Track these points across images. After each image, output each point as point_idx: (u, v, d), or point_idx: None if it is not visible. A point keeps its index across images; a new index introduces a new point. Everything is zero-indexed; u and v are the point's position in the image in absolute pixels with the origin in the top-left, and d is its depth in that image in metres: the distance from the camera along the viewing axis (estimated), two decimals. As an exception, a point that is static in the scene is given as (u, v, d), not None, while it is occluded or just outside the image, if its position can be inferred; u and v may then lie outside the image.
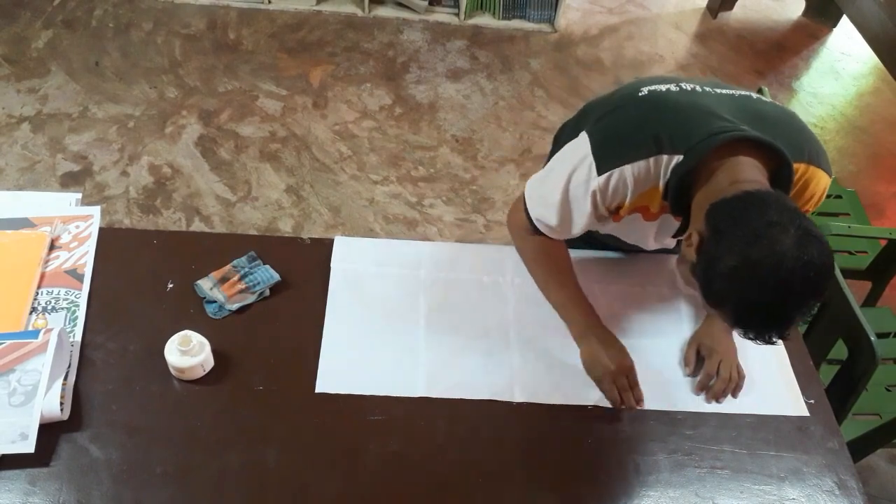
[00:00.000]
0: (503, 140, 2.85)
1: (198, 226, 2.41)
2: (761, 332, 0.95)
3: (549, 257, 1.32)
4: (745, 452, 1.23)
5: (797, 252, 0.90)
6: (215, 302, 1.29)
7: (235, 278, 1.32)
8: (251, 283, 1.31)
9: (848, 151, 3.08)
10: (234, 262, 1.34)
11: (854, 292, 1.52)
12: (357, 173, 2.66)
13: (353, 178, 2.64)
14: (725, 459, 1.22)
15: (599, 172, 1.09)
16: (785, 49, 3.54)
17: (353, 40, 3.20)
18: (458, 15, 3.35)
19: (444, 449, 1.19)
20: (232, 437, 1.15)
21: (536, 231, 1.25)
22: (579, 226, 1.19)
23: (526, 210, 1.25)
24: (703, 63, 3.37)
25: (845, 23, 3.50)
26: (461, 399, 1.24)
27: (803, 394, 1.31)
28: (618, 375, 1.23)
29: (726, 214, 0.96)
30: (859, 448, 1.57)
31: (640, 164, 1.07)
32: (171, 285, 1.31)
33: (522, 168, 2.74)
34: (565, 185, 1.14)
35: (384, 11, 3.34)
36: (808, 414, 1.28)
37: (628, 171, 1.08)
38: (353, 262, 1.39)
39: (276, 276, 1.33)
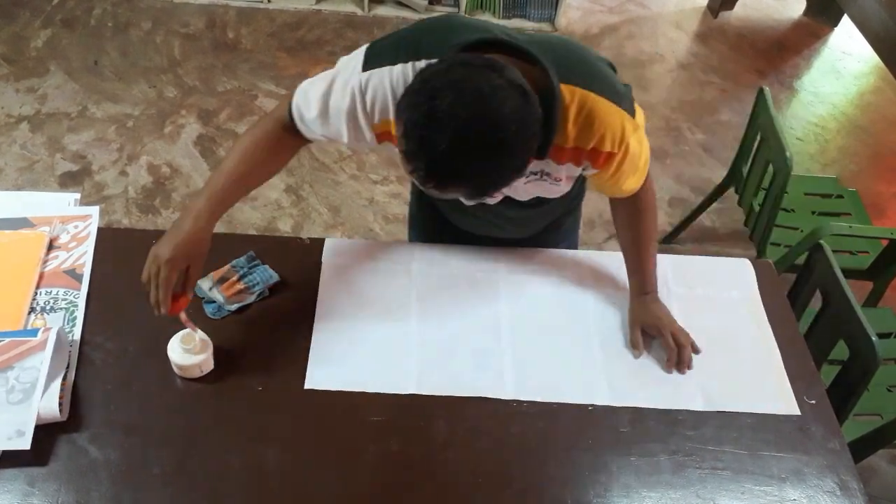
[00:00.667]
0: (503, 139, 2.84)
1: (197, 225, 2.41)
2: (420, 158, 0.89)
3: (264, 146, 1.18)
4: (745, 453, 1.22)
5: (466, 73, 0.86)
6: (214, 302, 1.29)
7: (234, 278, 1.31)
8: (250, 284, 1.31)
9: (849, 151, 3.08)
10: (233, 262, 1.34)
11: (855, 292, 1.52)
12: (357, 173, 2.65)
13: (353, 177, 2.64)
14: (726, 460, 1.21)
15: (363, 70, 1.05)
16: (786, 48, 3.53)
17: (352, 39, 3.20)
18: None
19: (444, 449, 1.18)
20: (231, 437, 1.15)
21: (290, 120, 1.16)
22: (336, 125, 1.11)
23: (291, 101, 1.16)
24: (704, 62, 3.37)
25: (846, 22, 3.50)
26: (461, 399, 1.23)
27: (804, 394, 1.31)
28: (152, 261, 1.10)
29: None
30: (860, 448, 1.57)
31: (398, 67, 1.03)
32: (170, 285, 1.31)
33: (522, 167, 2.74)
34: (333, 75, 1.10)
35: (384, 10, 3.34)
36: (798, 413, 1.28)
37: (386, 74, 1.04)
38: (343, 259, 1.39)
39: (276, 277, 1.33)
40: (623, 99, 1.06)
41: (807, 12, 3.74)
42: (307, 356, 1.25)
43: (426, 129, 0.86)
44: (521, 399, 1.24)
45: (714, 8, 3.63)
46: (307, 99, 1.13)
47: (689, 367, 1.29)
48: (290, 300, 1.33)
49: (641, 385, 1.27)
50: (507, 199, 1.25)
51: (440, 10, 3.35)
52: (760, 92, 2.04)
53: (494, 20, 3.36)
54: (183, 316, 1.16)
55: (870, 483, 2.01)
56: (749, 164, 2.11)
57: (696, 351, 1.31)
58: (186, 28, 3.14)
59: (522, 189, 1.20)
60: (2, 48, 2.94)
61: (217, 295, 1.29)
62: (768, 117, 1.96)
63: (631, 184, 1.20)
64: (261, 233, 2.38)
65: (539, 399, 1.25)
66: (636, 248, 1.33)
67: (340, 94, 1.08)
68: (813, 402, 1.30)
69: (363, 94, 1.06)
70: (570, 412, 1.24)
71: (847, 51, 3.56)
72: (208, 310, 1.28)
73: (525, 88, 0.89)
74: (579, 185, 1.37)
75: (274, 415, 1.18)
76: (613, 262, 1.44)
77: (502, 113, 0.86)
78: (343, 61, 1.11)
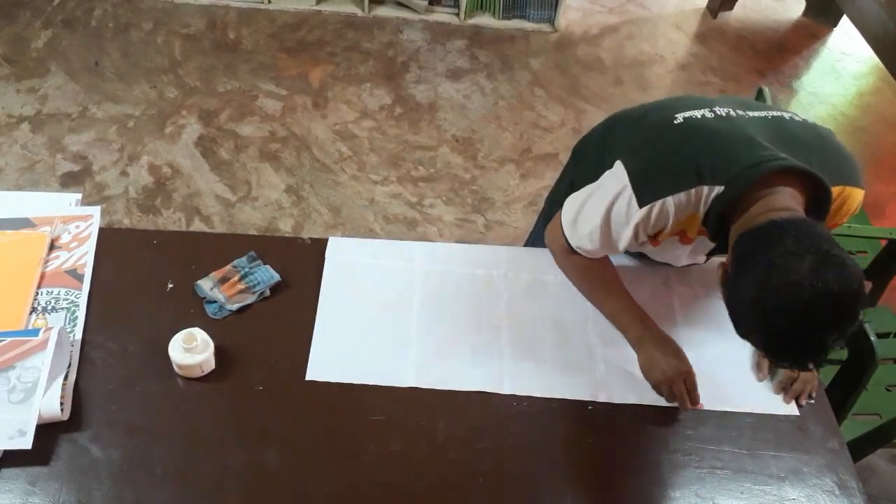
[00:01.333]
0: (503, 140, 2.85)
1: (198, 226, 2.41)
2: (794, 360, 0.98)
3: (594, 272, 1.33)
4: (745, 452, 1.23)
5: (813, 279, 0.90)
6: (215, 302, 1.29)
7: (235, 278, 1.32)
8: (251, 284, 1.31)
9: (848, 151, 3.08)
10: (235, 262, 1.34)
11: (854, 292, 1.52)
12: (357, 173, 2.66)
13: (353, 178, 2.64)
14: (725, 459, 1.22)
15: (640, 205, 1.10)
16: (785, 49, 3.54)
17: (352, 40, 3.20)
18: (458, 15, 3.35)
19: (445, 449, 1.19)
20: (232, 437, 1.15)
21: (574, 251, 1.27)
22: (618, 250, 1.21)
23: (563, 233, 1.26)
24: (704, 63, 3.37)
25: (846, 22, 3.50)
26: (462, 399, 1.24)
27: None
28: (675, 381, 1.22)
29: (747, 245, 0.98)
30: (859, 448, 1.57)
31: (681, 195, 1.08)
32: (171, 285, 1.31)
33: (522, 168, 2.74)
34: (605, 215, 1.15)
35: (384, 11, 3.34)
36: (797, 413, 1.28)
37: (670, 203, 1.09)
38: (347, 255, 1.40)
39: (277, 277, 1.33)
40: (862, 179, 1.15)
41: (806, 13, 3.74)
42: (308, 356, 1.26)
43: (806, 343, 0.95)
44: (518, 394, 1.25)
45: (714, 9, 3.63)
46: (582, 240, 1.23)
47: (795, 401, 1.29)
48: (290, 300, 1.33)
49: (640, 384, 1.28)
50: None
51: (439, 11, 3.35)
52: (760, 92, 2.04)
53: (495, 21, 3.37)
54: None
55: (869, 482, 2.01)
56: (748, 164, 2.11)
57: (812, 398, 1.30)
58: (187, 29, 3.14)
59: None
60: (2, 48, 2.94)
61: (218, 295, 1.29)
62: (767, 118, 1.96)
63: None
64: (262, 233, 2.38)
65: (537, 394, 1.25)
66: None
67: (622, 230, 1.15)
68: (812, 401, 1.30)
69: (646, 226, 1.12)
70: (570, 412, 1.25)
71: (846, 51, 3.56)
72: (209, 310, 1.29)
73: (842, 257, 0.93)
74: None
75: (274, 414, 1.19)
76: (618, 266, 1.45)
77: (853, 296, 0.93)
78: (603, 188, 1.17)
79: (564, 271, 1.37)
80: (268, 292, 1.32)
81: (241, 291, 1.31)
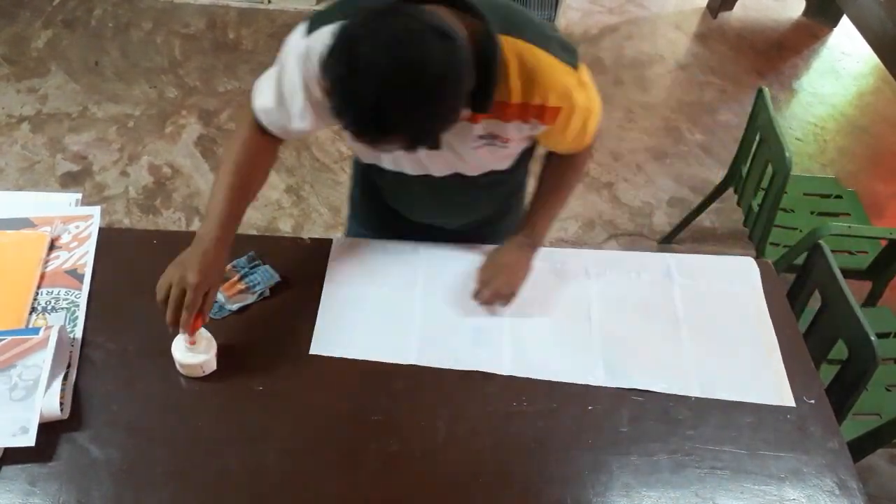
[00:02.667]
0: (503, 140, 2.84)
1: (198, 226, 2.40)
2: (349, 116, 0.88)
3: (247, 153, 1.16)
4: (745, 453, 1.23)
5: (386, 24, 0.84)
6: (215, 302, 1.29)
7: (235, 278, 1.32)
8: (251, 284, 1.31)
9: (848, 151, 3.08)
10: (234, 262, 1.34)
11: (854, 292, 1.52)
12: (357, 173, 2.65)
13: (353, 177, 2.64)
14: (726, 460, 1.21)
15: (308, 33, 1.04)
16: (785, 49, 3.54)
17: (353, 40, 3.20)
18: (458, 15, 3.34)
19: (445, 449, 1.19)
20: (232, 437, 1.15)
21: (258, 125, 1.15)
22: (296, 107, 1.09)
23: (252, 103, 1.15)
24: (704, 63, 3.37)
25: (845, 22, 3.50)
26: (462, 399, 1.24)
27: (803, 394, 1.31)
28: (176, 284, 1.10)
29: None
30: (859, 448, 1.57)
31: (338, 25, 0.98)
32: (171, 285, 1.31)
33: (522, 168, 2.74)
34: (280, 59, 1.08)
35: (384, 11, 3.34)
36: (794, 404, 1.28)
37: (329, 32, 0.98)
38: (352, 253, 1.42)
39: (276, 277, 1.33)
40: (565, 53, 1.05)
41: (806, 13, 3.75)
42: (308, 356, 1.26)
43: (350, 83, 0.86)
44: (518, 376, 1.26)
45: (713, 8, 3.63)
46: (262, 91, 1.12)
47: (487, 304, 1.30)
48: (290, 300, 1.33)
49: (639, 368, 1.29)
50: (457, 178, 1.24)
51: (440, 11, 3.35)
52: (760, 92, 2.04)
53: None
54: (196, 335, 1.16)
55: (869, 482, 2.01)
56: (748, 164, 2.11)
57: (502, 299, 1.30)
58: (187, 28, 3.14)
59: (472, 157, 1.18)
60: (3, 48, 2.94)
61: (218, 295, 1.29)
62: (767, 118, 1.96)
63: (579, 140, 1.20)
64: (261, 233, 2.38)
65: (535, 377, 1.27)
66: (545, 192, 1.34)
67: (291, 70, 1.06)
68: (812, 401, 1.30)
69: (310, 58, 1.02)
70: (570, 412, 1.25)
71: (846, 51, 3.57)
72: (209, 310, 1.29)
73: (447, 31, 0.87)
74: (525, 163, 1.36)
75: (274, 415, 1.19)
76: (616, 257, 1.49)
77: (424, 57, 0.85)
78: (286, 42, 1.09)
79: (226, 146, 1.22)
80: (268, 292, 1.32)
81: (241, 291, 1.31)
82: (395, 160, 1.22)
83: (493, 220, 1.48)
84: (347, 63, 0.86)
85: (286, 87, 1.09)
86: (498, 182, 1.31)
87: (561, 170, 1.32)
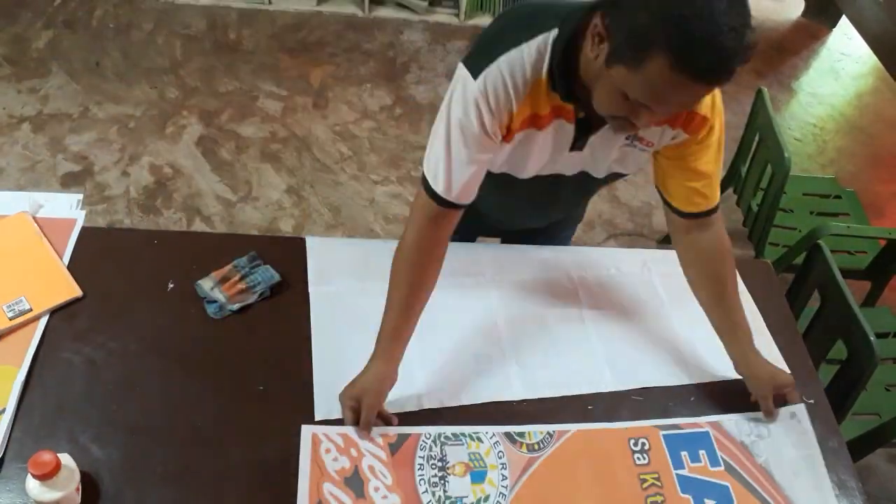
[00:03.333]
0: (503, 140, 2.85)
1: (198, 226, 2.41)
2: (701, 64, 0.84)
3: (425, 257, 1.15)
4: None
5: None
6: (216, 302, 1.29)
7: (236, 278, 1.32)
8: (252, 284, 1.31)
9: (847, 152, 3.08)
10: (235, 262, 1.35)
11: (853, 292, 1.52)
12: (357, 173, 2.66)
13: (354, 178, 2.64)
14: (725, 459, 1.22)
15: (475, 77, 1.01)
16: (784, 49, 3.54)
17: (353, 41, 3.20)
18: (458, 15, 3.35)
19: (444, 448, 1.19)
20: (233, 436, 1.15)
21: (436, 203, 1.10)
22: (471, 159, 1.07)
23: (428, 187, 1.10)
24: (703, 63, 3.37)
25: (845, 23, 3.50)
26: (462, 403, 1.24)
27: (803, 394, 1.31)
28: (353, 400, 1.14)
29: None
30: (859, 448, 1.57)
31: (512, 52, 0.99)
32: (171, 285, 1.32)
33: (522, 168, 2.74)
34: (447, 113, 1.05)
35: (384, 12, 3.34)
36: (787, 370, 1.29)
37: (503, 62, 0.99)
38: (330, 280, 1.35)
39: (277, 277, 1.33)
40: None
41: (805, 13, 3.75)
42: (309, 356, 1.26)
43: (711, 23, 0.82)
44: (530, 398, 1.25)
45: (713, 9, 3.63)
46: (436, 160, 1.08)
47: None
48: (291, 300, 1.33)
49: (641, 366, 1.30)
50: (580, 177, 1.20)
51: (440, 12, 3.36)
52: (759, 93, 2.04)
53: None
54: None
55: (868, 482, 2.01)
56: (748, 164, 2.12)
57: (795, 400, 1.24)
58: (188, 29, 3.15)
59: (611, 156, 1.15)
60: (4, 49, 2.94)
61: (219, 295, 1.29)
62: (767, 118, 1.97)
63: (709, 177, 1.14)
64: (262, 233, 2.38)
65: (548, 395, 1.26)
66: (729, 302, 1.24)
67: (467, 122, 1.03)
68: (811, 401, 1.30)
69: (486, 100, 1.01)
70: (571, 412, 1.25)
71: (845, 52, 3.57)
72: (210, 310, 1.29)
73: None
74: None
75: (274, 414, 1.19)
76: (596, 255, 1.50)
77: None
78: (445, 103, 1.07)
79: (404, 242, 1.16)
80: (268, 292, 1.33)
81: (242, 291, 1.31)
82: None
83: (563, 220, 1.49)
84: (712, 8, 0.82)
85: (464, 146, 1.06)
86: (601, 182, 1.25)
87: (720, 264, 1.23)
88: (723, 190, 2.26)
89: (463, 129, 1.05)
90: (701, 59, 0.84)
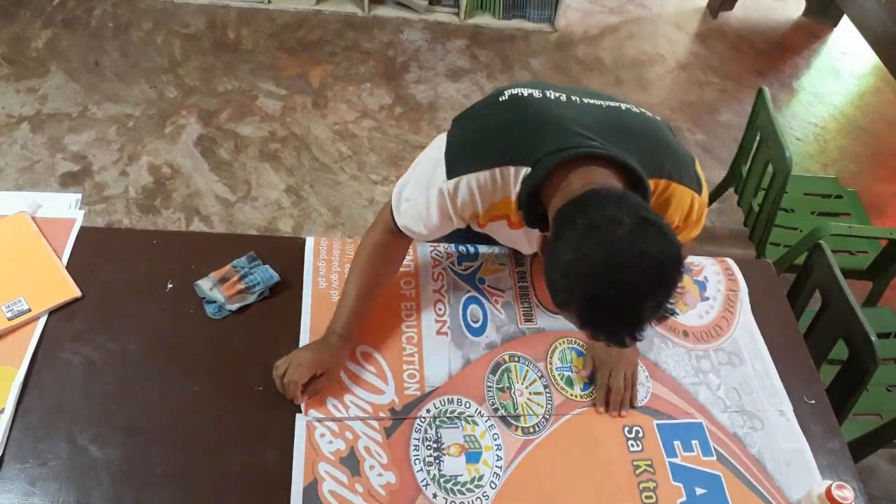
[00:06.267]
0: (503, 140, 2.84)
1: (197, 226, 2.41)
2: (610, 332, 0.90)
3: (380, 256, 1.25)
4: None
5: (630, 241, 0.86)
6: (215, 302, 1.29)
7: (235, 278, 1.31)
8: (251, 284, 1.31)
9: (848, 151, 3.08)
10: (234, 262, 1.34)
11: (854, 292, 1.52)
12: (357, 173, 2.65)
13: (353, 177, 2.64)
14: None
15: (448, 177, 1.07)
16: (785, 48, 3.54)
17: (352, 40, 3.20)
18: (458, 14, 3.35)
19: (445, 449, 1.19)
20: (232, 437, 1.15)
21: (396, 230, 1.20)
22: (437, 228, 1.15)
23: (391, 212, 1.20)
24: (704, 63, 3.37)
25: (846, 22, 3.50)
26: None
27: (804, 394, 1.31)
28: (292, 364, 1.19)
29: (566, 212, 0.93)
30: (860, 448, 1.57)
31: (485, 174, 1.05)
32: (170, 285, 1.31)
33: (522, 168, 2.74)
34: (425, 189, 1.12)
35: (384, 11, 3.34)
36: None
37: (473, 181, 1.06)
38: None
39: (276, 277, 1.33)
40: (695, 180, 1.10)
41: (806, 13, 3.74)
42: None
43: (620, 313, 0.88)
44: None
45: (714, 8, 3.63)
46: (407, 216, 1.17)
47: (618, 413, 1.25)
48: (290, 300, 1.33)
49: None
50: None
51: (439, 11, 3.35)
52: (760, 92, 2.04)
53: (495, 21, 3.36)
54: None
55: (869, 483, 2.01)
56: (749, 164, 2.11)
57: (632, 405, 1.26)
58: (187, 28, 3.14)
59: None
60: (2, 48, 2.94)
61: (218, 295, 1.29)
62: (768, 117, 1.96)
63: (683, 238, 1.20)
64: (261, 233, 2.38)
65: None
66: None
67: (433, 205, 1.11)
68: (812, 401, 1.30)
69: (454, 202, 1.09)
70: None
71: (846, 51, 3.57)
72: (209, 310, 1.29)
73: (653, 219, 0.89)
74: None
75: (274, 414, 1.18)
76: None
77: (670, 263, 0.88)
78: (427, 160, 1.13)
79: (361, 246, 1.27)
80: (267, 292, 1.32)
81: (241, 291, 1.30)
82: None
83: None
84: (610, 285, 0.86)
85: (432, 219, 1.13)
86: None
87: None
88: (724, 189, 2.29)
89: (431, 205, 1.11)
90: (602, 327, 0.91)
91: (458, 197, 1.08)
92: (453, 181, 1.07)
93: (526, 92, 1.08)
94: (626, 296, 0.86)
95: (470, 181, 1.06)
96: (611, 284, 0.86)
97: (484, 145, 1.07)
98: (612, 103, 1.10)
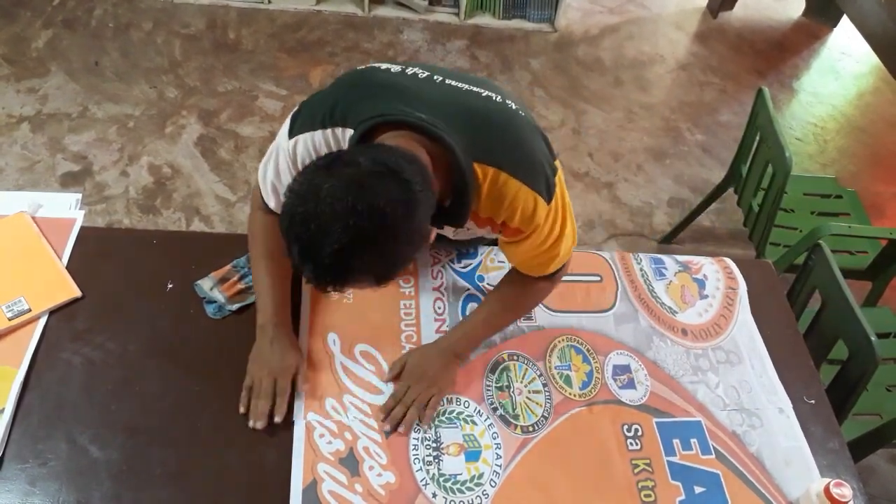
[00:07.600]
0: (503, 140, 2.84)
1: (198, 226, 2.41)
2: (300, 259, 0.89)
3: (270, 236, 1.23)
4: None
5: (354, 178, 0.86)
6: (215, 302, 1.29)
7: (235, 278, 1.31)
8: (251, 284, 1.31)
9: (848, 151, 3.08)
10: (234, 262, 1.34)
11: (854, 292, 1.52)
12: (357, 173, 2.65)
13: (353, 177, 2.64)
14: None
15: (289, 137, 1.11)
16: (785, 49, 3.54)
17: (352, 40, 3.20)
18: (458, 15, 3.35)
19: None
20: (232, 437, 1.15)
21: (267, 207, 1.21)
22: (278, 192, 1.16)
23: (260, 192, 1.22)
24: (704, 63, 3.37)
25: (845, 22, 3.50)
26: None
27: (803, 394, 1.31)
28: (265, 379, 1.17)
29: (338, 153, 0.95)
30: (860, 448, 1.57)
31: (318, 134, 1.07)
32: (170, 285, 1.31)
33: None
34: (276, 157, 1.15)
35: (384, 11, 3.34)
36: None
37: (309, 140, 1.08)
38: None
39: (276, 276, 1.33)
40: (544, 187, 1.06)
41: (806, 13, 3.74)
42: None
43: (307, 240, 0.87)
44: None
45: (714, 8, 3.63)
46: (265, 183, 1.18)
47: (397, 429, 1.18)
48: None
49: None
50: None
51: (440, 11, 3.35)
52: (760, 92, 2.04)
53: (495, 21, 3.37)
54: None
55: (869, 482, 2.01)
56: (748, 164, 2.11)
57: (421, 421, 1.19)
58: (187, 29, 3.14)
59: (454, 237, 1.24)
60: (2, 49, 2.94)
61: (218, 295, 1.29)
62: (767, 118, 1.96)
63: (533, 268, 1.19)
64: (261, 233, 2.38)
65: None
66: (483, 313, 1.27)
67: (284, 171, 1.13)
68: (812, 401, 1.30)
69: (294, 160, 1.11)
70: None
71: (846, 51, 3.57)
72: (209, 310, 1.29)
73: (398, 171, 0.88)
74: None
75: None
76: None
77: (375, 208, 0.85)
78: (278, 136, 1.15)
79: (249, 231, 1.28)
80: (267, 292, 1.32)
81: (241, 291, 1.30)
82: None
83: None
84: (303, 220, 0.86)
85: (283, 179, 1.15)
86: None
87: (509, 294, 1.27)
88: (723, 189, 2.29)
89: (278, 166, 1.14)
90: (293, 252, 0.90)
91: (298, 156, 1.10)
92: (293, 140, 1.10)
93: (384, 66, 1.12)
94: (319, 228, 0.85)
95: (307, 140, 1.09)
96: (311, 211, 0.85)
97: (318, 109, 1.10)
98: (474, 88, 1.08)
